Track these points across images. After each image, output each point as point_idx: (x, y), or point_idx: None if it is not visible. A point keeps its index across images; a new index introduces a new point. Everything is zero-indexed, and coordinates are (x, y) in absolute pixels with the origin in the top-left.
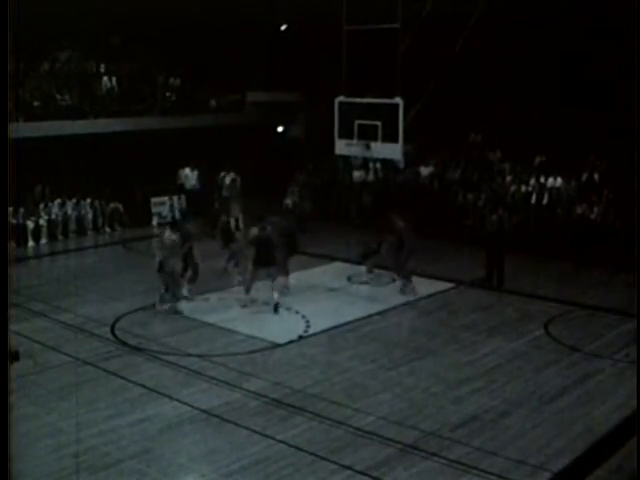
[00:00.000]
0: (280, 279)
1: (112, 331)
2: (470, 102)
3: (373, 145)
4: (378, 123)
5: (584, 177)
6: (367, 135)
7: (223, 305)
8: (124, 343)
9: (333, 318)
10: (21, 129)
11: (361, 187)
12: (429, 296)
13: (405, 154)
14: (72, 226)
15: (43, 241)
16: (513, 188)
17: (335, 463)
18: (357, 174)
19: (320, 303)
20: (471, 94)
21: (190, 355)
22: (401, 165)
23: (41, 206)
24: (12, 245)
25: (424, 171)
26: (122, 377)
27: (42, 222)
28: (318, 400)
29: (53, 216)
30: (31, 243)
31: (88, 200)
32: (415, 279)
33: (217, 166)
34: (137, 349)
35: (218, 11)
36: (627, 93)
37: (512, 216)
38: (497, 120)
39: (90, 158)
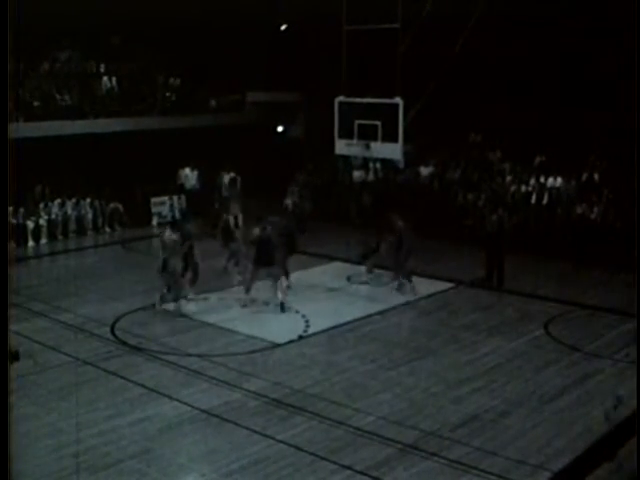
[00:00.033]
0: (282, 279)
1: (112, 331)
2: (470, 102)
3: (373, 145)
4: (378, 123)
5: (584, 177)
6: (367, 135)
7: (223, 305)
8: (124, 343)
9: (333, 318)
10: (21, 129)
11: (361, 187)
12: (429, 296)
13: (405, 154)
14: (72, 226)
15: (43, 241)
16: (513, 188)
17: (335, 463)
18: (357, 174)
19: (320, 303)
20: (471, 94)
21: (190, 355)
22: (401, 165)
23: (41, 206)
24: (12, 245)
25: (424, 171)
26: (122, 377)
27: (42, 222)
28: (318, 400)
29: (53, 216)
30: (31, 243)
31: (88, 200)
32: (415, 279)
33: (217, 166)
34: (137, 349)
35: (218, 11)
36: (627, 93)
37: (512, 216)
38: (497, 120)
39: (90, 158)
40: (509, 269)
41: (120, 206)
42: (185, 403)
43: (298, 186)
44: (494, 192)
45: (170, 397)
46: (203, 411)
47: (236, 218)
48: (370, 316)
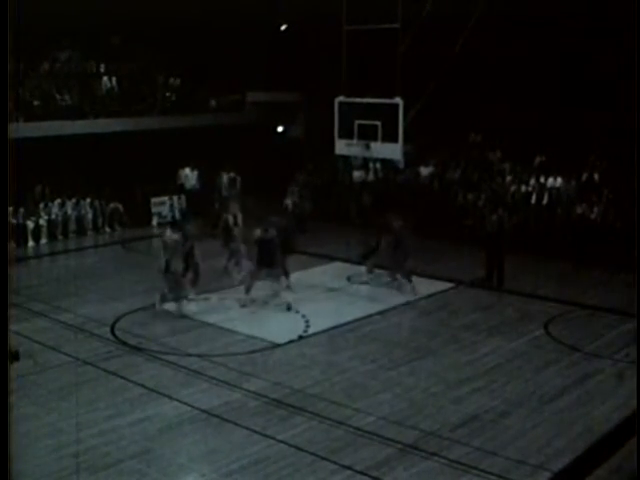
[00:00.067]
0: (282, 279)
1: (112, 331)
2: (470, 102)
3: (373, 145)
4: (378, 123)
5: (584, 177)
6: (367, 135)
7: (223, 305)
8: (124, 343)
9: (333, 318)
10: (21, 129)
11: (361, 187)
12: (429, 296)
13: (405, 154)
14: (72, 226)
15: (43, 241)
16: (513, 188)
17: (335, 463)
18: (357, 174)
19: (320, 303)
20: (471, 94)
21: (190, 355)
22: (401, 165)
23: (41, 206)
24: (12, 245)
25: (424, 171)
26: (122, 377)
27: (42, 222)
28: (318, 400)
29: (53, 216)
30: (31, 243)
31: (88, 200)
32: (415, 279)
33: (217, 166)
34: (137, 349)
35: (218, 11)
36: (627, 93)
37: (512, 216)
38: (497, 120)
39: (90, 158)
40: (509, 269)
41: (120, 206)
42: (185, 403)
43: (298, 186)
44: (494, 192)
45: (170, 397)
46: (203, 411)
47: (235, 217)
48: (370, 316)
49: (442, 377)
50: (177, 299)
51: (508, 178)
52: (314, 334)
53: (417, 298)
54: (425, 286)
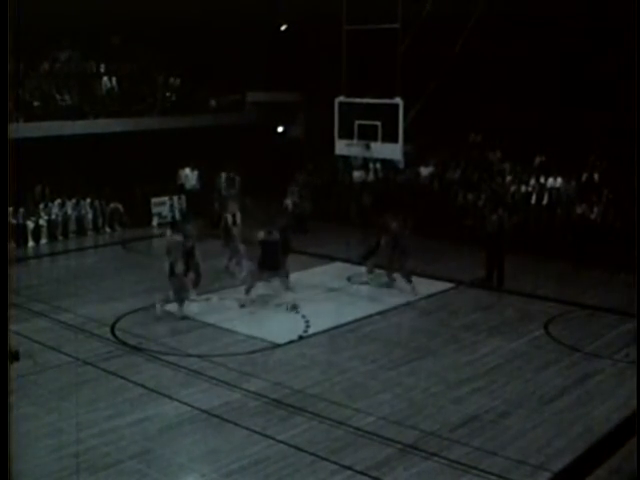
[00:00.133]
0: (283, 280)
1: (112, 331)
2: (470, 102)
3: (373, 145)
4: (378, 123)
5: (584, 177)
6: (367, 135)
7: (223, 305)
8: (124, 343)
9: (333, 318)
10: (21, 129)
11: (361, 187)
12: (429, 296)
13: (405, 154)
14: (72, 226)
15: (43, 241)
16: (513, 188)
17: (335, 463)
18: (357, 174)
19: (320, 303)
20: (471, 94)
21: (190, 355)
22: (401, 165)
23: (41, 206)
24: (12, 245)
25: (424, 171)
26: (122, 377)
27: (42, 222)
28: (318, 400)
29: (53, 216)
30: (31, 243)
31: (88, 200)
32: (415, 279)
33: (217, 166)
34: (137, 349)
35: (218, 11)
36: (627, 93)
37: (512, 216)
38: (497, 120)
39: (90, 158)
40: (509, 269)
41: (120, 206)
42: (185, 403)
43: (298, 186)
44: (494, 192)
45: (170, 397)
46: (203, 411)
47: (234, 216)
48: (370, 316)
49: (442, 377)
50: (180, 301)
51: (508, 178)
52: (314, 334)
53: (417, 298)
54: (425, 286)
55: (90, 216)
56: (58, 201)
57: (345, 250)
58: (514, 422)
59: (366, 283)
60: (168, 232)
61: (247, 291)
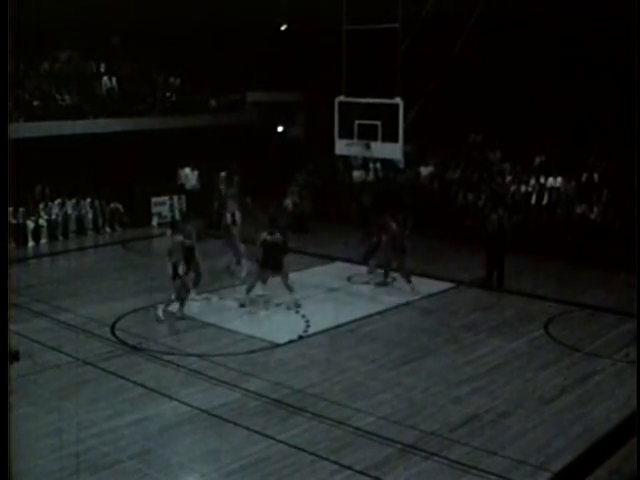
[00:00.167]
0: (284, 279)
1: (112, 331)
2: (470, 102)
3: (373, 145)
4: (378, 123)
5: (584, 177)
6: (367, 135)
7: (223, 305)
8: (124, 343)
9: (333, 318)
10: (21, 129)
11: (361, 187)
12: (429, 296)
13: (405, 154)
14: (72, 226)
15: (43, 241)
16: (513, 188)
17: (335, 463)
18: (357, 174)
19: (320, 303)
20: (471, 94)
21: (190, 355)
22: (401, 165)
23: (41, 206)
24: (12, 245)
25: (424, 171)
26: (122, 377)
27: (42, 222)
28: (318, 400)
29: (53, 216)
30: (31, 243)
31: (88, 200)
32: (415, 279)
33: (217, 166)
34: (137, 349)
35: (218, 11)
36: (627, 93)
37: (512, 216)
38: (497, 120)
39: (90, 158)
40: (509, 269)
41: (120, 206)
42: (185, 403)
43: (298, 186)
44: (494, 192)
45: (170, 397)
46: (203, 411)
47: (233, 216)
48: (370, 316)
49: (442, 377)
50: (181, 301)
51: (508, 178)
52: (314, 334)
53: (417, 298)
54: (425, 286)
55: (90, 216)
56: (58, 201)
57: (345, 250)
58: (514, 422)
59: (366, 283)
60: (168, 232)
61: (248, 291)
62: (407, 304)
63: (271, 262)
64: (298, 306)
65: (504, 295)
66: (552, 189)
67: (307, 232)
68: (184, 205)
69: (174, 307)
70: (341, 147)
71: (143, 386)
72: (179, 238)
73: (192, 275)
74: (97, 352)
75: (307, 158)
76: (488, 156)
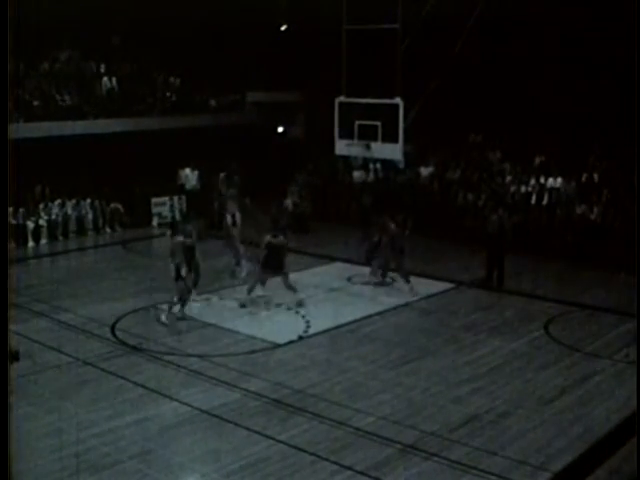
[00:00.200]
0: (284, 279)
1: (112, 331)
2: (470, 102)
3: (373, 145)
4: (378, 123)
5: (584, 177)
6: (367, 135)
7: (223, 305)
8: (124, 343)
9: (333, 318)
10: (21, 129)
11: (361, 187)
12: (429, 296)
13: (405, 154)
14: (72, 226)
15: (43, 241)
16: (513, 188)
17: (335, 463)
18: (357, 174)
19: (320, 303)
20: (471, 94)
21: (190, 355)
22: (401, 165)
23: (41, 206)
24: (12, 245)
25: (424, 171)
26: (122, 377)
27: (42, 222)
28: (318, 400)
29: (53, 216)
30: (31, 243)
31: (88, 200)
32: (415, 279)
33: (217, 166)
34: (137, 349)
35: (218, 11)
36: (627, 93)
37: (512, 216)
38: (497, 120)
39: (90, 158)
40: (509, 269)
41: (120, 206)
42: (185, 403)
43: (298, 186)
44: (494, 192)
45: (170, 397)
46: (203, 411)
47: (233, 216)
48: (370, 316)
49: (442, 377)
50: (182, 302)
51: (508, 178)
52: (314, 334)
53: (417, 298)
54: (425, 286)
55: (90, 216)
56: (58, 201)
57: (345, 250)
58: (514, 422)
59: (367, 283)
60: (168, 233)
61: (249, 291)
62: (407, 304)
63: (272, 263)
64: (302, 305)
65: (504, 295)
66: (552, 189)
67: (307, 232)
68: (184, 205)
69: (175, 308)
70: (341, 147)
71: (143, 386)
72: (179, 238)
73: (192, 275)
74: (97, 352)
75: (307, 158)
76: (488, 156)
